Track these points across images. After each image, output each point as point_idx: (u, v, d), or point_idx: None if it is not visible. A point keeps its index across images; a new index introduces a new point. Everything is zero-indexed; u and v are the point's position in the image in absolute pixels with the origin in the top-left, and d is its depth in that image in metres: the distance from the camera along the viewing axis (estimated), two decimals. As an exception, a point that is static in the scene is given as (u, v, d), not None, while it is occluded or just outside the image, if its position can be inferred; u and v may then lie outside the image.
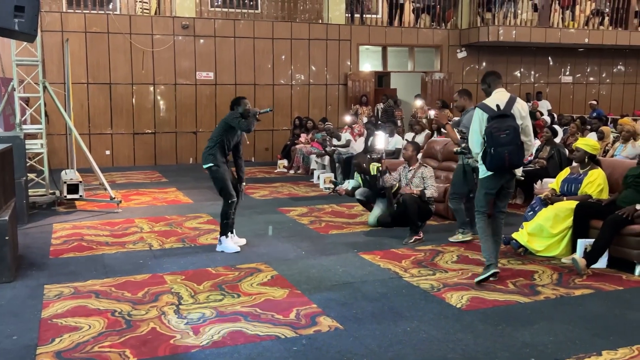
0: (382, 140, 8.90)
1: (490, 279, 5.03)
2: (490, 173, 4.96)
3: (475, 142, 4.99)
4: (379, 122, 13.39)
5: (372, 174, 7.14)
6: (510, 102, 4.95)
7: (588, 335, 4.01)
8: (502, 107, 4.88)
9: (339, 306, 4.52)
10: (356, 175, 7.51)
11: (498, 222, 5.21)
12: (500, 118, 4.82)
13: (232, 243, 6.10)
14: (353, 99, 14.80)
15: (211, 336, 3.97)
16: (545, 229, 5.82)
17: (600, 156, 7.60)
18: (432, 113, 7.62)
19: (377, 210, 7.20)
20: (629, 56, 17.93)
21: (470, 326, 4.15)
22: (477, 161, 5.12)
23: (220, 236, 6.12)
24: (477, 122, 4.98)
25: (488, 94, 5.12)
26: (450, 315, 4.37)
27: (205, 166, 6.00)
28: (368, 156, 7.65)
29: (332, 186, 8.20)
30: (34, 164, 9.06)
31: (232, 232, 6.22)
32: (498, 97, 4.99)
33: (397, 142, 10.45)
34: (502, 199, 5.20)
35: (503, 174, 5.00)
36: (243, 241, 6.34)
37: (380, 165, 7.17)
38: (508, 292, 4.86)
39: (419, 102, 14.39)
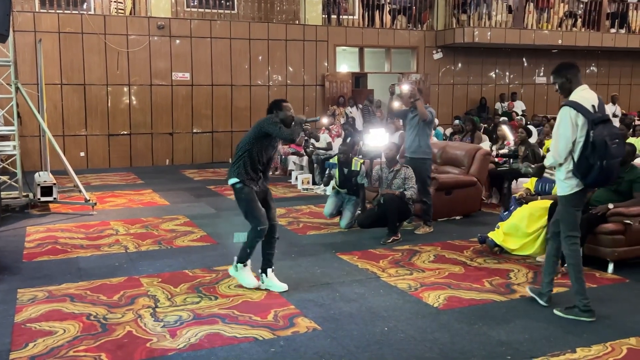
0: (383, 138, 7.83)
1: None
2: (581, 188, 4.19)
3: (563, 150, 4.11)
4: (363, 123, 13.48)
5: (352, 168, 7.17)
6: (602, 104, 4.19)
7: (562, 332, 4.07)
8: (597, 109, 4.10)
9: (317, 307, 4.53)
10: (333, 161, 7.41)
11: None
12: (604, 123, 4.04)
13: (251, 275, 4.97)
14: (330, 99, 14.82)
15: (188, 339, 3.94)
16: (520, 228, 5.89)
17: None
18: (405, 88, 7.10)
19: (348, 214, 7.21)
20: (601, 57, 18.23)
21: (447, 325, 4.19)
22: (530, 168, 4.52)
23: (237, 262, 4.95)
24: (569, 125, 4.07)
25: (567, 91, 4.24)
26: (428, 314, 4.40)
27: (229, 183, 4.86)
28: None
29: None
30: (7, 166, 8.92)
31: (271, 268, 5.01)
32: (588, 97, 4.16)
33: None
34: (583, 214, 4.52)
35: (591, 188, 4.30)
36: (284, 287, 4.93)
37: (363, 161, 7.23)
38: (484, 291, 4.91)
39: (396, 104, 14.43)
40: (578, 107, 4.06)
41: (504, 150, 5.54)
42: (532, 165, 4.66)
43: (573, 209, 4.26)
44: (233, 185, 4.82)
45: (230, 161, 14.07)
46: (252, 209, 4.76)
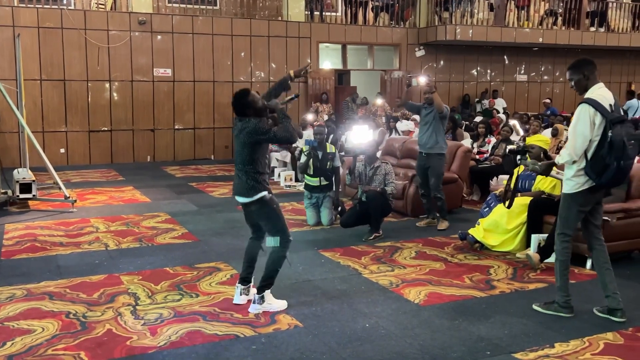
0: (366, 135, 7.65)
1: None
2: (590, 186, 4.09)
3: (580, 148, 4.01)
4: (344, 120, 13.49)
5: (327, 151, 7.24)
6: (617, 103, 4.11)
7: (541, 328, 4.12)
8: (613, 108, 4.04)
9: (299, 304, 4.53)
10: (305, 146, 7.37)
11: (603, 247, 4.33)
12: (622, 123, 3.97)
13: (276, 300, 4.48)
14: (313, 96, 14.81)
15: (169, 337, 3.92)
16: (500, 225, 5.94)
17: (554, 153, 7.80)
18: (422, 80, 6.93)
19: (326, 211, 7.21)
20: (581, 55, 18.37)
21: (428, 321, 4.21)
22: (537, 166, 4.41)
23: (261, 291, 4.40)
24: (588, 123, 3.98)
25: (582, 88, 4.16)
26: (409, 310, 4.43)
27: (253, 198, 4.34)
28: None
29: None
30: (-15, 162, 8.79)
31: (244, 284, 4.61)
32: (606, 95, 4.08)
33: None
34: (597, 216, 4.32)
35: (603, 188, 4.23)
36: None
37: (334, 148, 7.31)
38: (464, 287, 4.95)
39: (379, 101, 14.52)
40: (597, 106, 3.98)
41: (513, 146, 5.44)
42: (539, 163, 4.60)
43: (577, 208, 4.17)
44: (260, 200, 4.32)
45: (212, 158, 14.06)
46: (284, 220, 4.44)
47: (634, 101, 14.23)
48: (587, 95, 4.10)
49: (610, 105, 4.02)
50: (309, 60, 4.51)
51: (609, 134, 3.93)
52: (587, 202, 4.18)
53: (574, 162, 4.07)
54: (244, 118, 4.33)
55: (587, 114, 3.99)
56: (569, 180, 4.16)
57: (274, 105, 4.41)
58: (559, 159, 4.21)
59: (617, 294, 4.28)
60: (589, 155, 4.03)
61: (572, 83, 4.21)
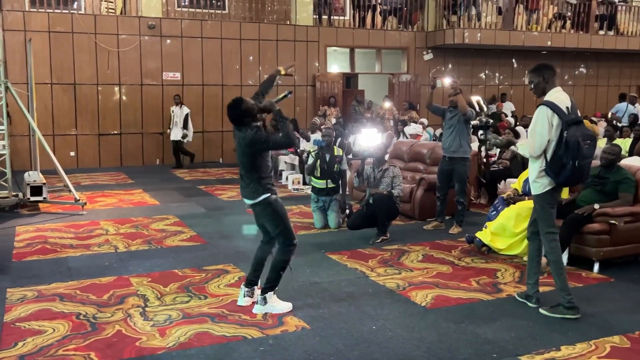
0: (375, 138, 7.68)
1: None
2: (553, 186, 4.29)
3: (538, 148, 4.21)
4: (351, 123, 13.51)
5: (335, 154, 7.28)
6: (574, 106, 4.29)
7: (548, 331, 4.13)
8: (570, 111, 4.22)
9: (306, 306, 4.56)
10: (312, 146, 7.39)
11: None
12: (577, 125, 4.15)
13: (281, 301, 4.51)
14: (321, 100, 14.85)
15: (177, 338, 3.96)
16: (507, 228, 5.94)
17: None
18: (447, 81, 6.99)
19: (333, 214, 7.24)
20: (590, 59, 18.37)
21: (435, 324, 4.23)
22: (498, 140, 4.59)
23: (265, 292, 4.44)
24: (546, 124, 4.17)
25: (540, 91, 4.34)
26: (416, 313, 4.45)
27: (257, 200, 4.37)
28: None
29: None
30: (-4, 165, 8.89)
31: (249, 287, 4.64)
32: (563, 98, 4.26)
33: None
34: (569, 214, 4.68)
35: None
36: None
37: (341, 151, 7.34)
38: (471, 290, 4.97)
39: (387, 104, 14.54)
40: (554, 108, 4.17)
41: (475, 122, 5.51)
42: (500, 137, 4.75)
43: (548, 207, 4.36)
44: (264, 201, 4.35)
45: (220, 161, 14.12)
46: (288, 221, 4.45)
47: (623, 104, 14.13)
48: (546, 98, 4.28)
49: (567, 107, 4.20)
50: (290, 92, 4.39)
51: (565, 134, 4.11)
52: (554, 200, 4.40)
53: (536, 158, 4.27)
54: (242, 127, 4.32)
55: (545, 115, 4.18)
56: (535, 182, 4.36)
57: (270, 106, 4.38)
58: (519, 147, 4.52)
59: (537, 284, 4.64)
60: (549, 155, 4.21)
61: (532, 85, 4.39)
